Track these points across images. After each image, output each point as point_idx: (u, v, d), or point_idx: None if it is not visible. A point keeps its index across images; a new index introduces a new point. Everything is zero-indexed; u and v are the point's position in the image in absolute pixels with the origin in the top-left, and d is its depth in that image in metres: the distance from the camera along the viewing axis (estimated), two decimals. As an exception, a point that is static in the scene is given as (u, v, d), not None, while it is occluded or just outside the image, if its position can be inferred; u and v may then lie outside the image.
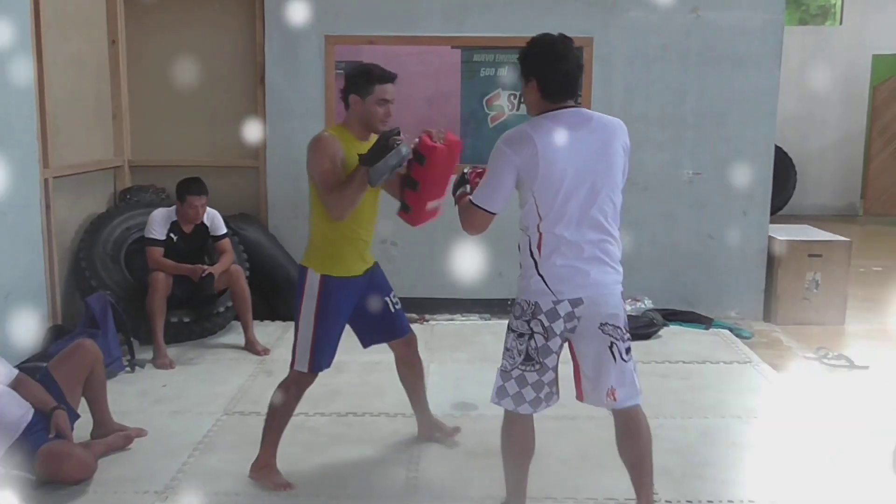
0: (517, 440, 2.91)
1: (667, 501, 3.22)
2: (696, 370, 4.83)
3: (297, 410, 4.03)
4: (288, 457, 3.56)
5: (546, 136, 2.69)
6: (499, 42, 5.94)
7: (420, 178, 3.20)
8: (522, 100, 3.06)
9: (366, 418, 4.03)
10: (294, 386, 3.35)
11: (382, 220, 5.90)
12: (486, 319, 5.67)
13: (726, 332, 5.60)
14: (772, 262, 6.00)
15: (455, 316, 5.73)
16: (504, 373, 2.84)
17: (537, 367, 2.78)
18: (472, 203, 2.79)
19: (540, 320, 2.74)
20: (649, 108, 5.93)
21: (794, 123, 10.78)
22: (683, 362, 4.96)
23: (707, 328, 5.66)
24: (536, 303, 2.74)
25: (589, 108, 6.01)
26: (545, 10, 5.86)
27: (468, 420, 4.03)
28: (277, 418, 3.34)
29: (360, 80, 3.22)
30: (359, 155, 3.11)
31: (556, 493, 3.26)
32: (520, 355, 2.78)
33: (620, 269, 2.84)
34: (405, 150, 3.06)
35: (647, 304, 5.70)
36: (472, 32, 5.91)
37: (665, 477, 3.40)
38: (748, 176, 5.97)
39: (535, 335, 2.75)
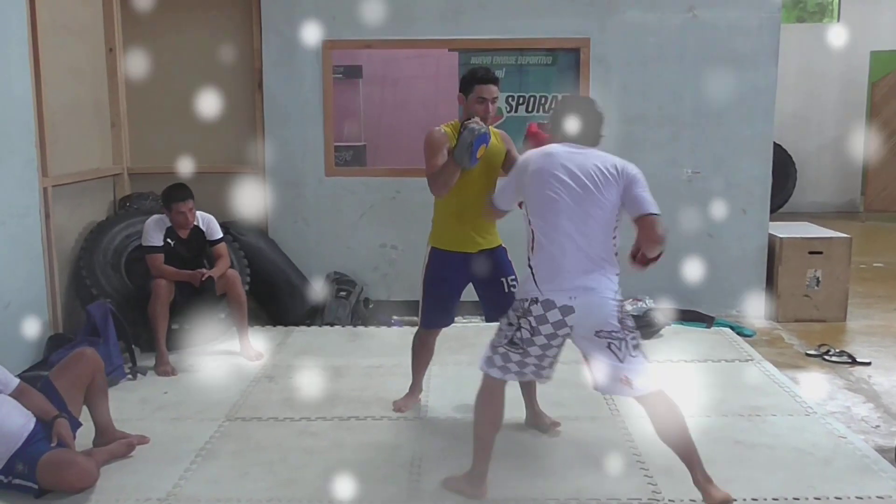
0: (490, 405, 3.22)
1: (670, 500, 3.21)
2: (699, 369, 4.83)
3: (298, 416, 4.07)
4: (290, 461, 3.57)
5: (542, 157, 3.12)
6: (496, 44, 5.95)
7: None
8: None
9: (368, 422, 4.02)
10: (419, 339, 4.08)
11: (384, 226, 5.97)
12: (487, 322, 5.66)
13: (728, 330, 5.59)
14: (772, 260, 5.99)
15: (456, 318, 5.71)
16: (492, 346, 3.18)
17: (520, 351, 3.11)
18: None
19: (529, 320, 3.05)
20: (647, 108, 5.93)
21: (793, 121, 10.78)
22: (685, 361, 4.95)
23: (709, 327, 5.66)
24: (528, 306, 3.04)
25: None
26: (542, 13, 5.87)
27: (469, 423, 4.00)
28: (416, 358, 4.15)
29: (465, 81, 3.75)
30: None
31: (558, 494, 3.26)
32: (506, 338, 3.13)
33: (612, 276, 3.09)
34: (475, 127, 3.51)
35: (649, 303, 5.69)
36: (469, 35, 5.91)
37: (668, 475, 3.40)
38: (747, 174, 5.98)
39: (522, 329, 3.08)
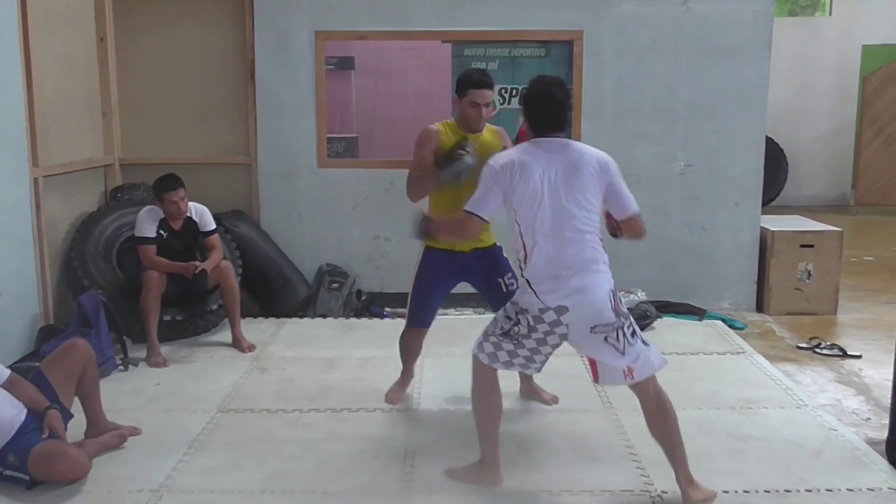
0: (487, 394, 3.24)
1: (662, 492, 3.22)
2: (690, 361, 4.84)
3: (290, 407, 4.07)
4: (283, 453, 3.57)
5: (528, 159, 3.06)
6: (490, 36, 5.93)
7: None
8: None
9: (361, 414, 4.02)
10: (405, 338, 4.03)
11: (377, 217, 5.96)
12: (479, 314, 5.67)
13: (720, 323, 5.61)
14: (764, 253, 6.01)
15: (449, 310, 5.72)
16: (486, 333, 3.20)
17: (514, 343, 3.11)
18: (465, 210, 3.13)
19: (527, 318, 3.06)
20: (641, 101, 5.94)
21: (785, 115, 10.81)
22: (677, 354, 4.96)
23: (700, 319, 5.68)
24: (525, 307, 3.06)
25: (581, 102, 6.07)
26: (536, 5, 5.86)
27: (462, 414, 4.02)
28: (402, 354, 4.12)
29: (460, 83, 3.71)
30: (442, 156, 3.64)
31: (551, 486, 3.26)
32: (501, 330, 3.14)
33: (604, 269, 3.09)
34: (470, 160, 3.51)
35: (641, 296, 5.70)
36: (462, 27, 5.89)
37: (660, 467, 3.40)
38: (740, 167, 6.00)
39: (520, 325, 3.08)
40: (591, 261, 3.04)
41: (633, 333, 3.06)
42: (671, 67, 5.90)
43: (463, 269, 3.83)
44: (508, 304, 3.17)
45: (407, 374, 4.23)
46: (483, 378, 3.24)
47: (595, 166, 3.09)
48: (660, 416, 3.08)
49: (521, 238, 3.06)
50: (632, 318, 3.12)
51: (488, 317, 5.62)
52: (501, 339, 3.13)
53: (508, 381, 3.97)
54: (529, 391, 4.13)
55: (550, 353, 3.18)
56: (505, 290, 3.79)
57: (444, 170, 3.59)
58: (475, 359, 3.24)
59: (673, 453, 3.09)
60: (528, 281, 3.04)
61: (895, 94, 10.24)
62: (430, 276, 3.81)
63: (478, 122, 3.69)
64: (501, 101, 6.01)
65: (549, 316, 3.01)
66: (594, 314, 3.00)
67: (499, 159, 3.13)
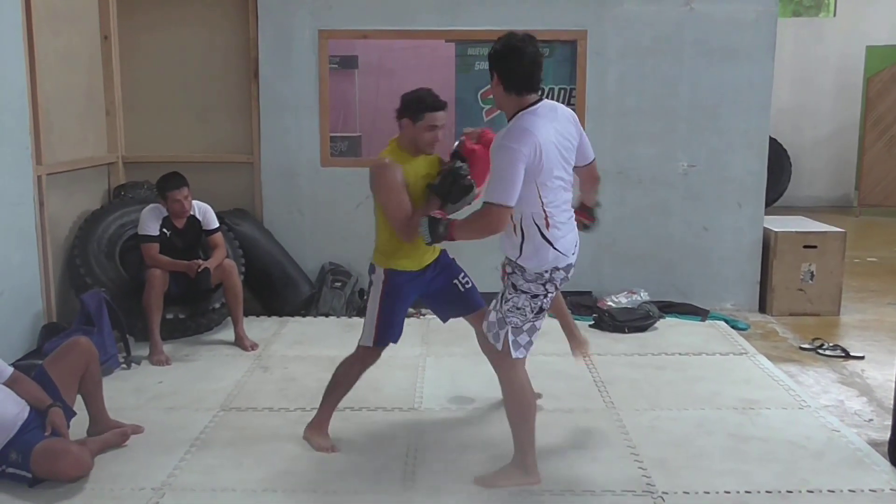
0: (525, 391, 3.25)
1: (663, 493, 3.22)
2: (693, 362, 4.84)
3: (293, 406, 4.07)
4: (285, 452, 3.57)
5: (541, 130, 3.00)
6: (493, 35, 5.75)
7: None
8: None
9: (363, 413, 4.02)
10: (359, 360, 3.68)
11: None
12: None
13: (722, 323, 5.61)
14: (767, 254, 6.01)
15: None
16: (516, 329, 3.17)
17: (543, 315, 3.20)
18: (492, 204, 2.98)
19: (553, 282, 3.14)
20: (643, 101, 5.93)
21: (788, 115, 10.79)
22: (680, 354, 4.96)
23: (703, 320, 5.67)
24: (553, 268, 3.11)
25: (584, 102, 6.07)
26: (539, 3, 5.86)
27: (464, 413, 4.04)
28: (339, 388, 3.70)
29: (413, 107, 3.46)
30: (428, 185, 3.46)
31: (552, 486, 3.26)
32: (532, 311, 3.15)
33: None
34: (471, 183, 3.40)
35: (644, 296, 5.70)
36: (465, 26, 5.89)
37: (662, 468, 3.41)
38: (742, 168, 5.99)
39: (549, 294, 3.16)
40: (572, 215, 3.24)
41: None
42: (674, 67, 5.90)
43: (422, 285, 3.64)
44: (523, 286, 3.11)
45: (328, 409, 3.73)
46: (520, 377, 3.23)
47: (572, 122, 3.19)
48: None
49: (544, 208, 3.04)
50: None
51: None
52: (535, 319, 3.17)
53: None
54: (577, 345, 4.16)
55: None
56: (462, 289, 3.70)
57: (446, 198, 3.40)
58: (510, 361, 3.19)
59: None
60: (549, 242, 3.06)
61: (899, 95, 10.22)
62: (401, 299, 3.58)
63: (432, 146, 3.48)
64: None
65: (561, 274, 3.16)
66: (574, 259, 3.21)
67: (515, 139, 2.97)
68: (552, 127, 3.04)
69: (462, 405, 4.14)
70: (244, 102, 6.03)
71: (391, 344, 3.65)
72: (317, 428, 3.69)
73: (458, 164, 3.43)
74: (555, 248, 3.08)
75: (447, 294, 3.71)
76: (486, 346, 3.39)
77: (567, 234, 3.13)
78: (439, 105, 3.47)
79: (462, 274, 3.74)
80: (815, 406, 4.14)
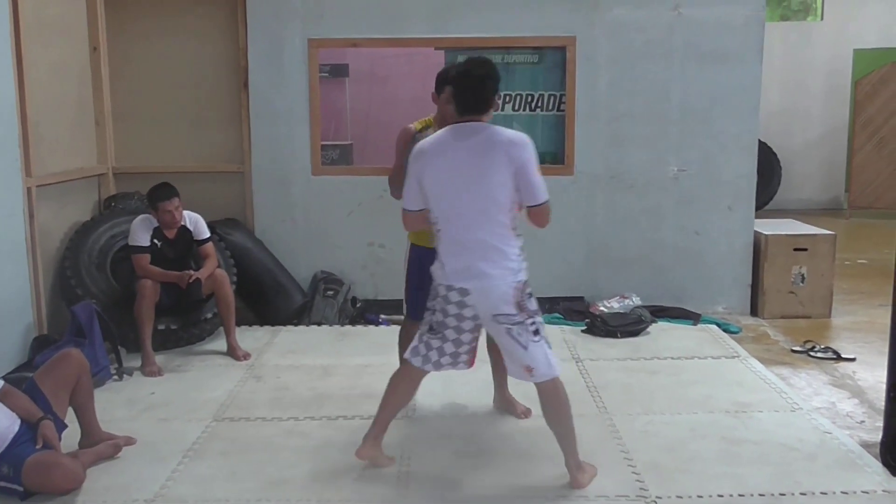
0: (403, 387, 3.44)
1: (657, 497, 3.22)
2: (685, 366, 4.85)
3: (286, 416, 4.06)
4: (279, 461, 3.56)
5: (431, 146, 3.19)
6: (483, 43, 5.94)
7: None
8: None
9: (356, 421, 4.01)
10: (403, 329, 4.01)
11: (371, 224, 5.96)
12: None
13: (714, 327, 5.62)
14: (758, 257, 6.03)
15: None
16: (419, 335, 3.36)
17: (439, 336, 3.26)
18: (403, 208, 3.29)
19: (439, 301, 3.23)
20: (634, 106, 5.95)
21: (777, 118, 10.84)
22: (672, 358, 4.97)
23: (695, 324, 5.68)
24: (437, 287, 3.23)
25: (573, 107, 6.08)
26: (528, 11, 5.87)
27: (458, 420, 4.03)
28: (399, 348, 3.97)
29: (438, 80, 3.82)
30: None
31: (546, 491, 3.27)
32: (426, 325, 3.31)
33: (510, 265, 3.12)
34: None
35: (636, 300, 5.71)
36: (455, 34, 5.91)
37: (654, 472, 3.41)
38: (733, 171, 6.01)
39: (437, 311, 3.25)
40: (493, 249, 3.10)
41: (537, 332, 3.15)
42: (664, 72, 5.92)
43: None
44: (430, 296, 3.29)
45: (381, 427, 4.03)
46: (409, 373, 3.40)
47: (503, 152, 3.06)
48: (551, 405, 3.23)
49: (436, 225, 3.20)
50: (539, 319, 3.18)
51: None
52: (429, 336, 3.28)
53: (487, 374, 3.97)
54: (502, 402, 4.08)
55: (473, 341, 3.28)
56: None
57: None
58: (407, 362, 3.38)
59: (565, 440, 3.27)
60: (438, 255, 3.21)
61: (887, 98, 10.27)
62: (414, 271, 3.89)
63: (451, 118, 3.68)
64: (495, 108, 6.00)
65: (454, 296, 3.15)
66: (495, 303, 3.10)
67: (415, 148, 3.28)
68: (457, 144, 3.14)
69: (455, 412, 4.14)
70: (235, 112, 6.02)
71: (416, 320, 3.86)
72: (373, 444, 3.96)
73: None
74: (440, 263, 3.18)
75: None
76: (492, 349, 3.81)
77: (458, 262, 3.12)
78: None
79: None
80: (807, 408, 4.15)
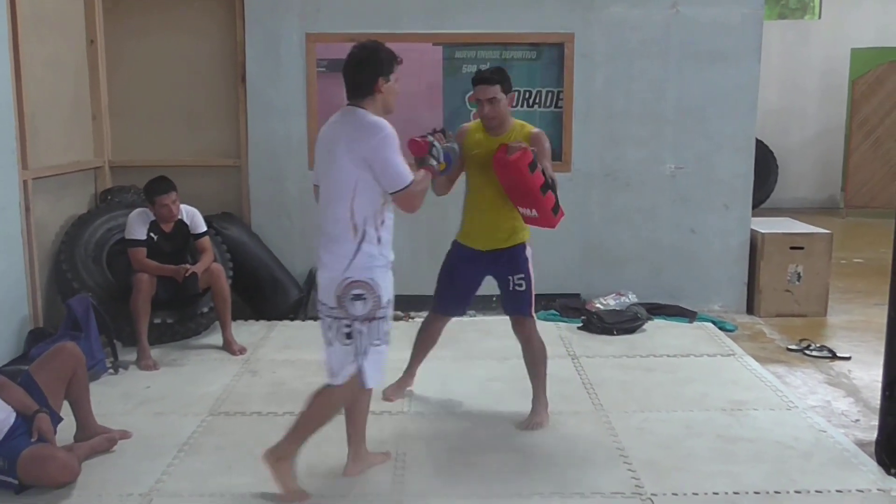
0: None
1: (652, 494, 3.23)
2: (681, 364, 4.86)
3: (281, 410, 4.06)
4: (274, 457, 3.55)
5: (322, 129, 3.18)
6: (480, 39, 5.94)
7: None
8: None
9: (352, 417, 4.01)
10: (424, 320, 4.19)
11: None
12: (471, 316, 5.67)
13: (710, 325, 5.63)
14: (754, 256, 6.04)
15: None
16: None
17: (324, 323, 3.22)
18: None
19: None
20: (630, 104, 5.95)
21: (774, 117, 10.86)
22: (668, 356, 4.98)
23: (691, 322, 5.69)
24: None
25: (571, 105, 6.07)
26: (526, 7, 5.87)
27: (454, 417, 4.04)
28: (416, 341, 4.22)
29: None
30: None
31: (542, 489, 3.27)
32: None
33: (343, 261, 3.02)
34: (439, 145, 3.38)
35: (632, 298, 5.72)
36: (453, 29, 5.90)
37: (650, 469, 3.42)
38: (729, 170, 6.02)
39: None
40: (334, 238, 3.05)
41: (349, 336, 3.06)
42: (660, 70, 5.92)
43: (480, 266, 3.90)
44: None
45: (410, 373, 4.27)
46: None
47: (349, 139, 2.96)
48: (309, 413, 3.23)
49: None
50: (362, 327, 3.05)
51: (479, 320, 5.66)
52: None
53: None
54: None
55: (327, 330, 3.16)
56: (511, 287, 3.83)
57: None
58: None
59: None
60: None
61: (884, 97, 10.30)
62: (448, 265, 3.99)
63: (483, 118, 3.75)
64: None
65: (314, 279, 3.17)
66: (321, 291, 3.11)
67: None
68: (331, 127, 3.10)
69: (451, 409, 4.14)
70: (231, 106, 6.01)
71: (450, 317, 4.12)
72: (400, 382, 4.23)
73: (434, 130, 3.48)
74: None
75: (500, 287, 3.92)
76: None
77: (317, 245, 3.14)
78: (480, 78, 3.72)
79: (520, 275, 3.83)
80: (802, 407, 4.16)
